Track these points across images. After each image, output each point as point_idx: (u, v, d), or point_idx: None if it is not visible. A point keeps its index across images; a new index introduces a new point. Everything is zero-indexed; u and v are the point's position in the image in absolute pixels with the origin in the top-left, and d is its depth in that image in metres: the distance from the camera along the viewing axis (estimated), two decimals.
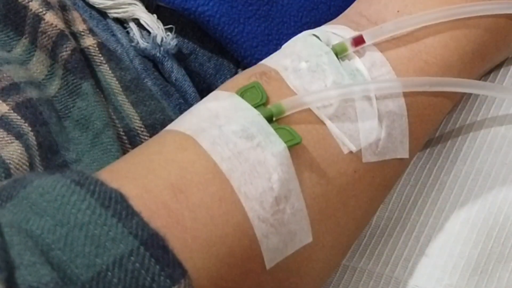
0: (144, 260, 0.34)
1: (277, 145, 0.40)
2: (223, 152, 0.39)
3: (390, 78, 0.44)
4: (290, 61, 0.44)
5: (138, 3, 0.54)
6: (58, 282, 0.32)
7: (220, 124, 0.40)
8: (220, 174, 0.39)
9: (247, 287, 0.39)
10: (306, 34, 0.46)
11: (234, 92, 0.42)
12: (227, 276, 0.38)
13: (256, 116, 0.41)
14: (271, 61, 0.45)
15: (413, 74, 0.45)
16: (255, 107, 0.41)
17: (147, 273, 0.33)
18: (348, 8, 0.50)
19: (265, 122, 0.41)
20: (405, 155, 0.45)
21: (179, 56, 0.54)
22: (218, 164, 0.39)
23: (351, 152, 0.43)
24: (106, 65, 0.50)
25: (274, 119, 0.41)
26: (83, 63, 0.49)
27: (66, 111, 0.48)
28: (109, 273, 0.33)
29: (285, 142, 0.40)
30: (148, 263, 0.34)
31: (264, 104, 0.42)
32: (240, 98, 0.42)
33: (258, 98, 0.42)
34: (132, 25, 0.54)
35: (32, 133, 0.44)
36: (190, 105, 0.45)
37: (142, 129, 0.49)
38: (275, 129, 0.40)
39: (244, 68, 0.53)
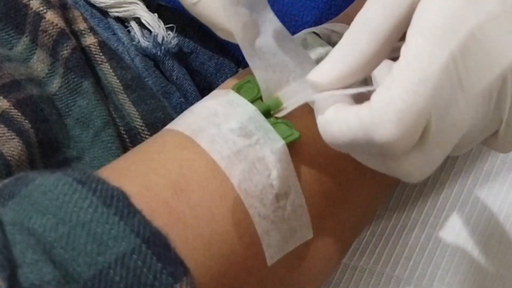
0: (146, 258, 0.34)
1: (276, 142, 0.40)
2: (222, 150, 0.39)
3: None
4: None
5: (139, 2, 0.54)
6: (60, 280, 0.32)
7: (218, 122, 0.40)
8: (220, 172, 0.39)
9: (249, 284, 0.39)
10: (305, 32, 0.46)
11: (230, 89, 0.42)
12: (228, 273, 0.38)
13: (253, 112, 0.41)
14: None
15: None
16: (252, 102, 0.41)
17: (149, 271, 0.33)
18: (349, 7, 0.50)
19: (262, 118, 0.40)
20: None
21: (180, 55, 0.54)
22: (217, 163, 0.39)
23: None
24: (107, 64, 0.50)
25: (272, 112, 0.41)
26: (83, 62, 0.49)
27: (67, 110, 0.48)
28: (111, 271, 0.33)
29: (284, 138, 0.40)
30: (150, 261, 0.34)
31: (261, 97, 0.42)
32: (236, 94, 0.42)
33: (254, 92, 0.42)
34: (133, 24, 0.54)
35: (32, 130, 0.44)
36: (191, 104, 0.45)
37: (143, 128, 0.49)
38: (273, 124, 0.40)
39: (245, 67, 0.53)
